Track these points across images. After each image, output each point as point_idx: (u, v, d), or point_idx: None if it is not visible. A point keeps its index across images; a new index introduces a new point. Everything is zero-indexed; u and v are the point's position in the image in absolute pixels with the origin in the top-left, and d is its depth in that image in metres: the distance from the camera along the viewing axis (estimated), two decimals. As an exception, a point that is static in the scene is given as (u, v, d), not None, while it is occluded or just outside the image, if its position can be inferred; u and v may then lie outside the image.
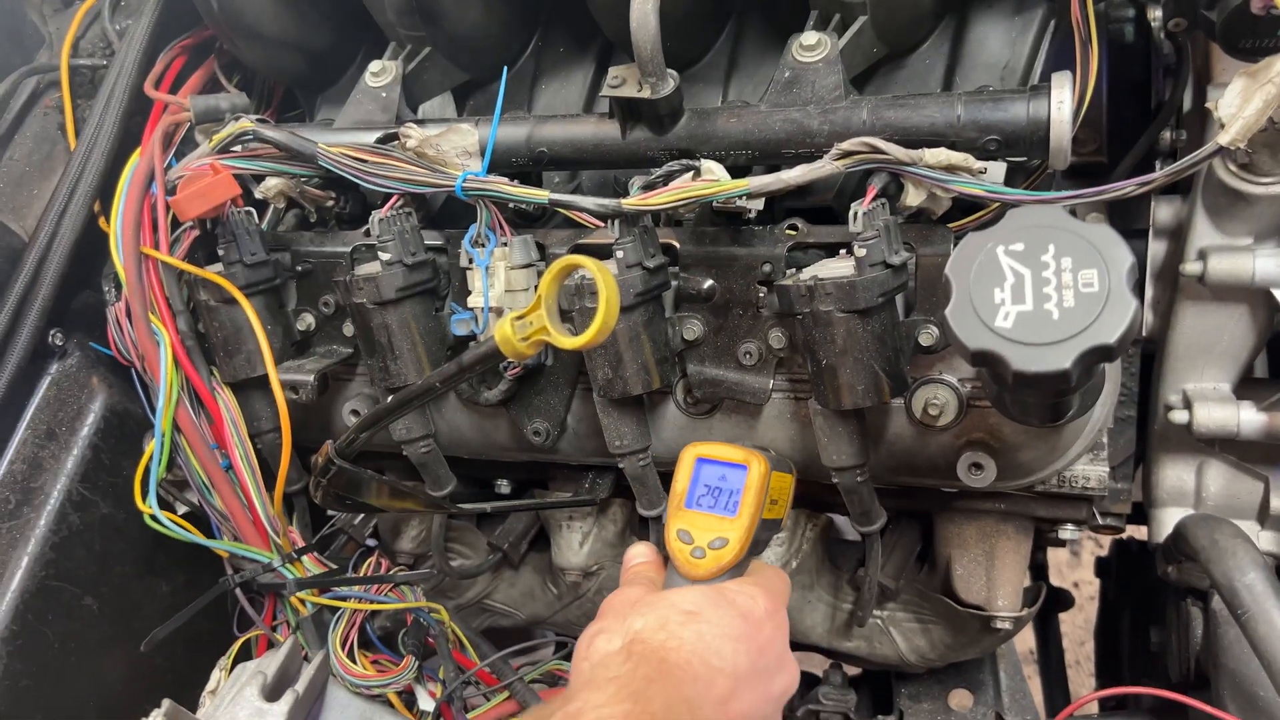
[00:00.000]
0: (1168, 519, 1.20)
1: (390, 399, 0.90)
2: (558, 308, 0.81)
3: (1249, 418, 1.08)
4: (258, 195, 1.14)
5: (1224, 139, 0.81)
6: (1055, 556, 2.56)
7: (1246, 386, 1.13)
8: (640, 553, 0.97)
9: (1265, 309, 1.07)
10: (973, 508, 1.12)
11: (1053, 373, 0.67)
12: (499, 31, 1.18)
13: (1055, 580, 2.13)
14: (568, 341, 0.76)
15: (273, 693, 0.97)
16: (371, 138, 1.09)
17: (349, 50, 1.28)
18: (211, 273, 1.11)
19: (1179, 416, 1.10)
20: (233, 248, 1.12)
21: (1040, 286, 0.68)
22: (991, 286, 0.69)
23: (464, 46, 1.17)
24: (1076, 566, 2.72)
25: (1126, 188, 0.84)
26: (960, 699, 1.36)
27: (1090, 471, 1.05)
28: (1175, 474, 1.19)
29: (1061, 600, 1.63)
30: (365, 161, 1.04)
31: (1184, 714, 1.15)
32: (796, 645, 1.34)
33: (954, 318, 0.70)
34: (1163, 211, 1.11)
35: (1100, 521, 1.14)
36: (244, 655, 1.23)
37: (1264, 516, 1.15)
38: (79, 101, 1.32)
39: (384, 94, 1.14)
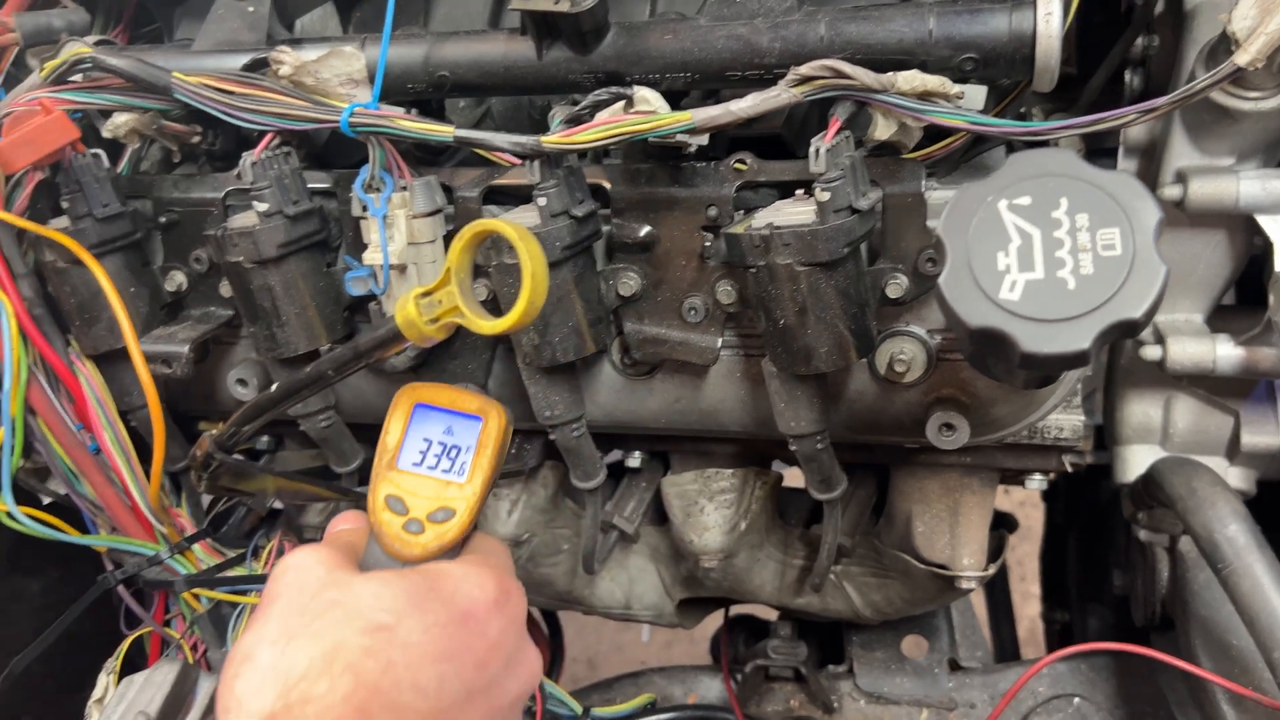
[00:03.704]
0: (1133, 457, 1.13)
1: (274, 388, 0.76)
2: (471, 277, 0.67)
3: (1226, 352, 1.00)
4: (105, 134, 0.96)
5: (1242, 59, 0.70)
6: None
7: (1217, 316, 1.06)
8: (347, 518, 0.80)
9: (1244, 234, 0.99)
10: (935, 462, 1.03)
11: (1069, 354, 0.56)
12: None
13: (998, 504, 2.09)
14: (487, 325, 0.63)
15: (159, 731, 0.84)
16: (237, 62, 0.92)
17: (208, -47, 1.08)
18: (55, 231, 0.94)
19: (1151, 352, 1.02)
20: (79, 199, 0.94)
21: (1052, 249, 0.57)
22: (994, 250, 0.58)
23: (345, -53, 1.00)
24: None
25: (1128, 115, 0.72)
26: (914, 646, 1.30)
27: (1064, 421, 0.96)
28: (1142, 410, 1.12)
29: (1005, 523, 1.59)
30: (231, 94, 0.87)
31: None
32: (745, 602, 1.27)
33: (950, 288, 0.59)
34: (1135, 129, 1.01)
35: (1068, 468, 1.06)
36: (136, 652, 1.10)
37: (1233, 452, 1.09)
38: (-118, 20, 1.10)
39: (251, 8, 0.96)
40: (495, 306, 0.88)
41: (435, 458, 0.73)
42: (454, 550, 0.72)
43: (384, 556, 0.71)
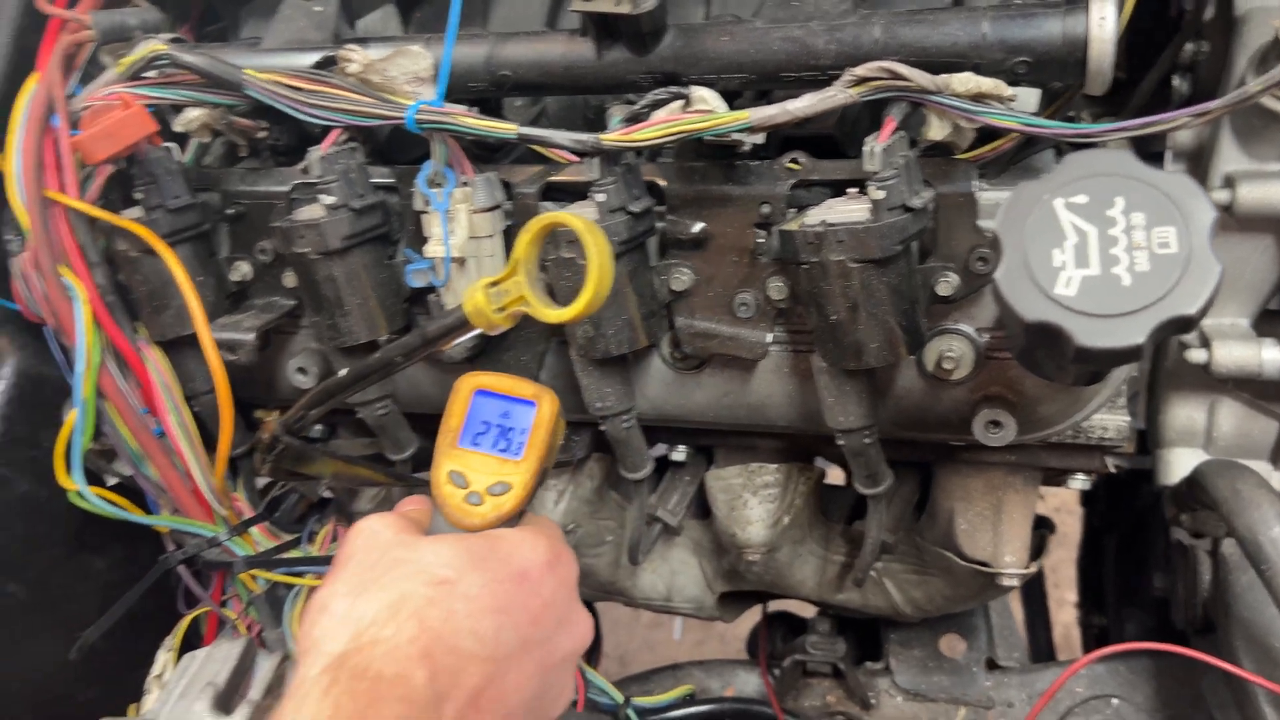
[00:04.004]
0: (1176, 460, 1.14)
1: (343, 373, 0.79)
2: (537, 268, 0.70)
3: (1271, 357, 1.01)
4: (177, 129, 0.99)
5: (1297, 63, 0.71)
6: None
7: (1264, 320, 1.06)
8: (413, 500, 0.84)
9: (1293, 240, 1.00)
10: (979, 459, 1.04)
11: (1123, 349, 0.58)
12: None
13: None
14: (552, 314, 0.65)
15: (226, 704, 0.87)
16: (306, 60, 0.95)
17: (275, -46, 1.11)
18: (129, 220, 0.97)
19: (1197, 355, 1.03)
20: (153, 190, 0.98)
21: (1107, 247, 0.59)
22: (1050, 247, 0.60)
23: (408, -52, 1.03)
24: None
25: (1180, 119, 0.74)
26: (952, 644, 1.31)
27: (1109, 421, 0.97)
28: (1185, 413, 1.13)
29: (1044, 525, 1.59)
30: (301, 90, 0.91)
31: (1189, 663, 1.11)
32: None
33: (1006, 284, 0.60)
34: (1183, 133, 1.02)
35: (1111, 469, 1.07)
36: (192, 632, 1.14)
37: (1277, 457, 1.10)
38: (-38, 17, 1.14)
39: (318, 7, 0.99)
40: (551, 298, 0.90)
41: (493, 438, 0.78)
42: (510, 522, 0.77)
43: (446, 525, 0.77)
